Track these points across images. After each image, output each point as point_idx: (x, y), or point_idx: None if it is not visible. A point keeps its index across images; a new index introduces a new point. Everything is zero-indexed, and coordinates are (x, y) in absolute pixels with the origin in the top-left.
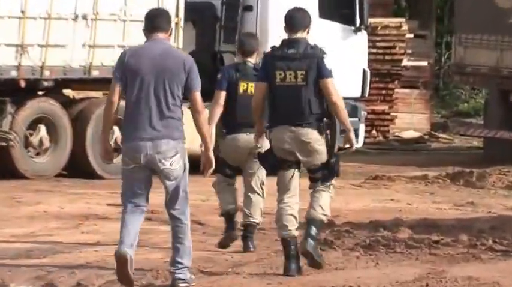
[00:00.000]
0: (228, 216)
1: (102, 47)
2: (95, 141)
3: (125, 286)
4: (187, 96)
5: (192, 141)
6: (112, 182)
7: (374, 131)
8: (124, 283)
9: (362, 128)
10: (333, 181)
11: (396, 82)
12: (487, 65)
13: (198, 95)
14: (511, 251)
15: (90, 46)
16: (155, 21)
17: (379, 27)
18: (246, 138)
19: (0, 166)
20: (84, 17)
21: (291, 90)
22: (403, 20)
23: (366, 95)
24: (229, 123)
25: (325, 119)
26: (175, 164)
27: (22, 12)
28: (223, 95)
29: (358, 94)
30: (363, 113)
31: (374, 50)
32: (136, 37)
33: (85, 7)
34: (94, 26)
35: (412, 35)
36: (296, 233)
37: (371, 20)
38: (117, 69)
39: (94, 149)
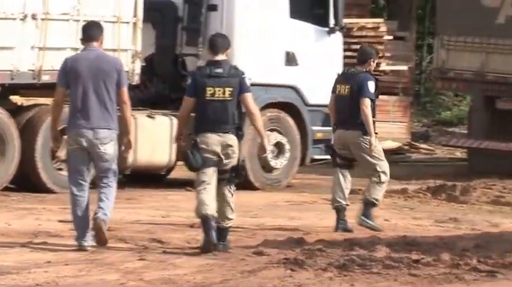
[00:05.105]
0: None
1: (53, 50)
2: (45, 152)
3: (102, 246)
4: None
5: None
6: (64, 197)
7: None
8: (102, 244)
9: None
10: None
11: None
12: (472, 69)
13: (125, 90)
14: (496, 272)
15: (40, 48)
16: (88, 32)
17: (355, 28)
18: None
19: None
20: (34, 17)
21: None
22: (381, 20)
23: None
24: None
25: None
26: (109, 149)
27: None
28: None
29: None
30: None
31: (349, 53)
32: None
33: (35, 6)
34: (44, 26)
35: (390, 37)
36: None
37: (346, 21)
38: (61, 76)
39: (44, 161)
